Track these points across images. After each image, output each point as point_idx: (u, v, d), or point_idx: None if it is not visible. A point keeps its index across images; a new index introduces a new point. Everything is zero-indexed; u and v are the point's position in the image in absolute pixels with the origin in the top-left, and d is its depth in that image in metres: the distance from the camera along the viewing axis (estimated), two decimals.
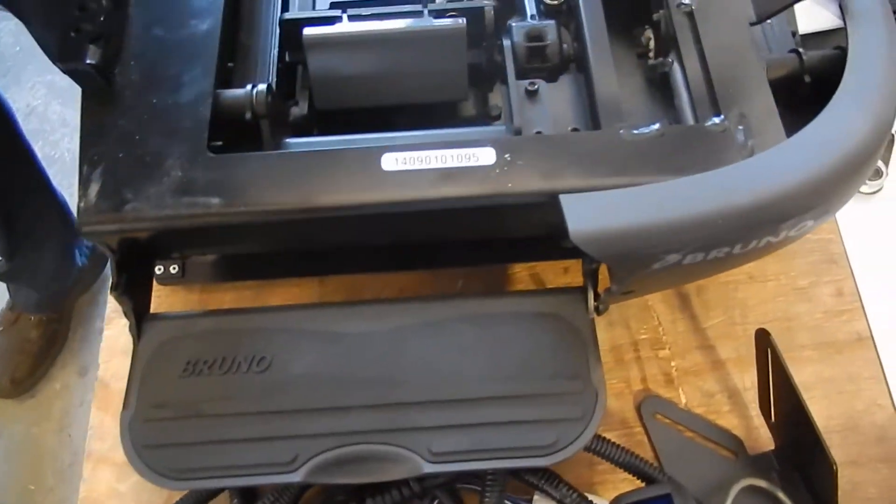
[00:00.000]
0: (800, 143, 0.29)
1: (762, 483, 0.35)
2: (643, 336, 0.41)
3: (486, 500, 0.33)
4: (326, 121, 0.38)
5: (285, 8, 0.41)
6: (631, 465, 0.33)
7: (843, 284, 0.42)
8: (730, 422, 0.39)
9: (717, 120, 0.32)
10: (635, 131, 0.32)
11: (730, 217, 0.27)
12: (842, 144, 0.28)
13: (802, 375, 0.39)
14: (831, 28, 0.46)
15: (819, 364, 0.40)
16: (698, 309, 0.42)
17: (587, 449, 0.32)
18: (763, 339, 0.36)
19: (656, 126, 0.32)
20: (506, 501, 0.34)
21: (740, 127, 0.31)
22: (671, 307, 0.42)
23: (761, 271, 0.42)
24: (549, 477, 0.34)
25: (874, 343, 0.40)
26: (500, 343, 0.32)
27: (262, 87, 0.34)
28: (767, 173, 0.28)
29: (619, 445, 0.33)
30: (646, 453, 0.38)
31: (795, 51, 0.35)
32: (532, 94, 0.37)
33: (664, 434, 0.38)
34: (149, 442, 0.30)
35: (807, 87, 0.34)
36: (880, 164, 0.43)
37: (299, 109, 0.38)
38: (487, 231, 0.35)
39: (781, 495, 0.35)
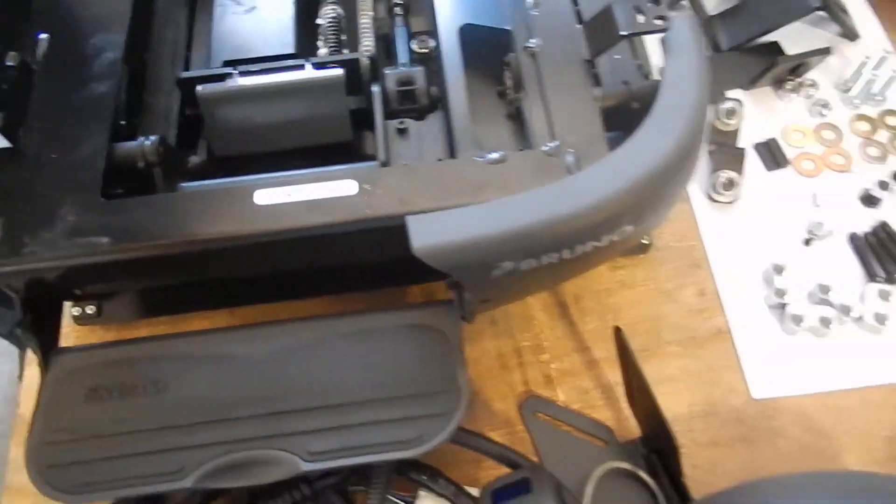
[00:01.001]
0: (611, 162, 0.33)
1: (625, 465, 0.38)
2: (526, 343, 0.44)
3: (371, 498, 0.36)
4: (226, 167, 0.42)
5: (186, 68, 0.45)
6: (495, 453, 0.36)
7: (704, 285, 0.46)
8: (603, 414, 0.42)
9: (550, 145, 0.36)
10: (480, 158, 0.36)
11: (550, 226, 0.31)
12: (646, 162, 0.32)
13: (669, 368, 0.43)
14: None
15: (683, 357, 0.44)
16: (576, 315, 0.45)
17: (456, 441, 0.35)
18: (619, 337, 0.39)
19: (501, 153, 0.36)
20: (391, 498, 0.37)
21: (570, 150, 0.36)
22: (552, 315, 0.45)
23: (632, 278, 0.46)
24: (430, 473, 0.37)
25: (731, 336, 0.44)
26: (375, 354, 0.36)
27: (153, 138, 0.37)
28: (583, 188, 0.31)
29: (482, 436, 0.36)
30: (527, 448, 0.41)
31: (626, 82, 0.40)
32: (402, 132, 0.41)
33: (542, 429, 0.41)
34: (50, 462, 0.32)
35: (636, 112, 0.39)
36: (734, 175, 0.48)
37: (198, 157, 0.42)
38: (358, 257, 0.38)
39: (642, 474, 0.38)
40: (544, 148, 0.36)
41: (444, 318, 0.36)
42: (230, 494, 0.38)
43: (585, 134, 0.36)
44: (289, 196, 0.34)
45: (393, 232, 0.33)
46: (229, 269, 0.37)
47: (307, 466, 0.33)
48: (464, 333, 0.37)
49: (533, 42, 0.40)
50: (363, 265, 0.41)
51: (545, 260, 0.32)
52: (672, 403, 0.42)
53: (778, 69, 0.50)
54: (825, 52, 0.50)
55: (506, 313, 0.45)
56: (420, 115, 0.42)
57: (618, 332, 0.39)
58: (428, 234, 0.30)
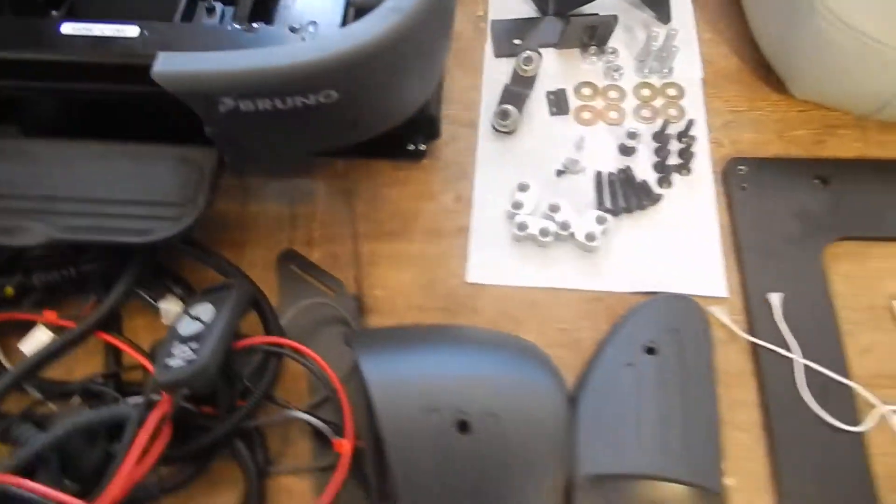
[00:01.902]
0: (325, 39, 0.41)
1: (325, 300, 0.46)
2: (302, 212, 0.52)
3: (119, 284, 0.44)
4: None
5: None
6: (214, 263, 0.45)
7: (463, 193, 0.53)
8: (343, 274, 0.50)
9: (295, 24, 0.44)
10: (239, 26, 0.44)
11: (257, 73, 0.39)
12: (348, 42, 0.40)
13: (412, 250, 0.51)
14: None
15: (425, 244, 0.51)
16: (361, 208, 0.53)
17: (191, 256, 0.44)
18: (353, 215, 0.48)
19: (258, 25, 0.45)
20: (142, 294, 0.46)
21: (310, 28, 0.44)
22: (333, 197, 0.53)
23: (407, 178, 0.54)
24: (174, 278, 0.46)
25: (468, 234, 0.52)
26: (139, 168, 0.44)
27: None
28: (293, 51, 0.40)
29: (210, 250, 0.45)
30: (274, 294, 0.49)
31: None
32: (210, 11, 0.49)
33: (289, 275, 0.49)
34: None
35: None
36: (513, 109, 0.55)
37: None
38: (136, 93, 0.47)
39: (343, 312, 0.46)
40: (290, 27, 0.44)
41: (204, 156, 0.45)
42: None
43: (326, 21, 0.45)
44: (88, 31, 0.43)
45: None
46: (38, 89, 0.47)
47: (60, 236, 0.42)
48: (248, 186, 0.46)
49: None
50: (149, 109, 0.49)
51: (261, 105, 0.40)
52: (402, 275, 0.50)
53: (576, 31, 0.57)
54: (612, 19, 0.57)
55: (295, 189, 0.53)
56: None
57: (348, 196, 0.47)
58: (166, 64, 0.39)
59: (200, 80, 0.39)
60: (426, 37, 0.44)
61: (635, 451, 0.38)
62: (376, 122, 0.47)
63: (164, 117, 0.45)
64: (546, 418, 0.37)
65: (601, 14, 0.59)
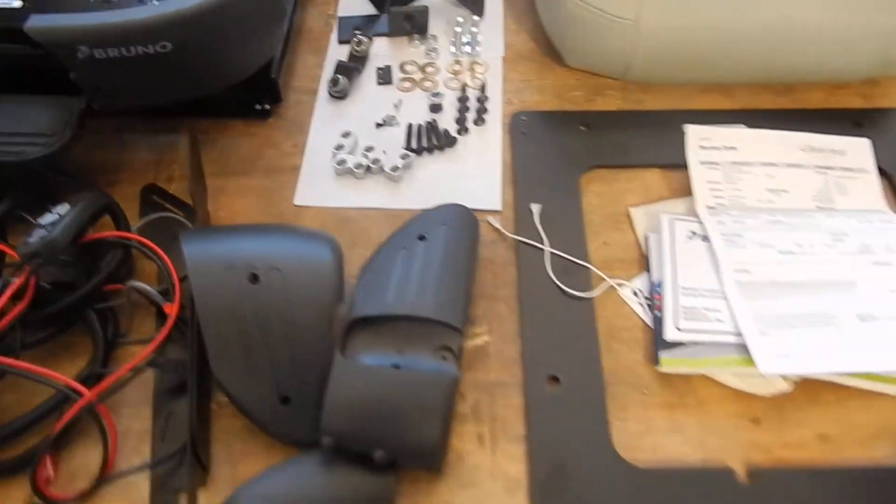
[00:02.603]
0: (160, 6, 0.53)
1: (172, 216, 0.57)
2: (165, 158, 0.64)
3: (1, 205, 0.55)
4: None
5: None
6: (83, 185, 0.56)
7: (299, 142, 0.65)
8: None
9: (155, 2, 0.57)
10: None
11: (105, 26, 0.51)
12: (172, 6, 0.52)
13: (248, 183, 0.62)
14: None
15: (261, 180, 0.63)
16: (207, 145, 0.65)
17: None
18: (194, 151, 0.59)
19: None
20: (22, 214, 0.56)
21: (155, 2, 0.56)
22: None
23: (256, 133, 0.66)
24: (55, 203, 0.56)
25: (299, 172, 0.63)
26: (22, 111, 0.55)
27: None
28: (131, 12, 0.52)
29: (73, 182, 0.56)
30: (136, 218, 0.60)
31: None
32: None
33: (151, 204, 0.60)
34: None
35: None
36: (342, 79, 0.68)
37: None
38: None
39: (180, 219, 0.57)
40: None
41: (72, 102, 0.56)
42: None
43: None
44: None
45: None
46: None
47: None
48: (124, 140, 0.58)
49: None
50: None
51: (110, 52, 0.52)
52: (243, 201, 0.61)
53: (398, 21, 0.71)
54: (424, 9, 0.71)
55: (164, 141, 0.65)
56: None
57: (193, 142, 0.59)
58: (35, 22, 0.51)
59: (60, 32, 0.51)
60: (245, 12, 0.57)
61: (394, 300, 0.49)
62: (211, 78, 0.59)
63: (43, 74, 0.57)
64: (319, 272, 0.48)
65: (425, 8, 0.74)
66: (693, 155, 0.60)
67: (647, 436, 0.50)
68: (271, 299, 0.47)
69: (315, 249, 0.50)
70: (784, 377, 0.50)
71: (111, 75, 0.55)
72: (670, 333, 0.51)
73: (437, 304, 0.49)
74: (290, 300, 0.48)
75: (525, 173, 0.62)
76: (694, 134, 0.61)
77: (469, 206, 0.59)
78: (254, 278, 0.48)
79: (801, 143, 0.61)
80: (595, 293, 0.55)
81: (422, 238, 0.54)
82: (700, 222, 0.57)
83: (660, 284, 0.54)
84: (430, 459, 0.46)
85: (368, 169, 0.62)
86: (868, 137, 0.63)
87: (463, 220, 0.56)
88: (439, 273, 0.51)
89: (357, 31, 0.73)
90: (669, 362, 0.51)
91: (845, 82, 0.69)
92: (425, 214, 0.57)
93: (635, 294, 0.55)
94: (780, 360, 0.48)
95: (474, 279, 0.55)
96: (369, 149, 0.63)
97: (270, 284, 0.48)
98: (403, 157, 0.63)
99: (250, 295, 0.47)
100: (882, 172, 0.62)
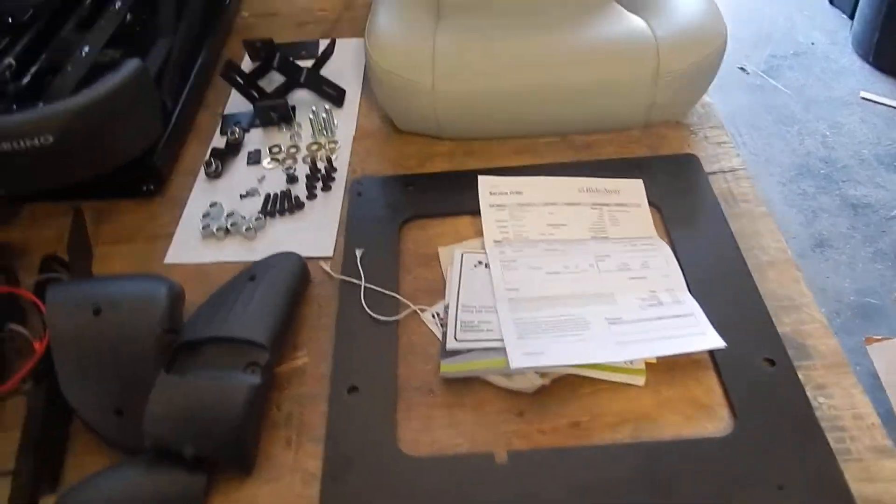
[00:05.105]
0: (43, 109, 0.65)
1: (62, 275, 0.66)
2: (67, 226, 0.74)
3: None
4: None
5: None
6: None
7: (177, 213, 0.76)
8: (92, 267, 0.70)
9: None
10: None
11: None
12: (49, 110, 0.64)
13: (135, 249, 0.72)
14: None
15: (143, 245, 0.72)
16: (107, 226, 0.75)
17: None
18: (77, 221, 0.69)
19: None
20: None
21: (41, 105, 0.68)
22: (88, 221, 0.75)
23: (147, 209, 0.76)
24: None
25: (174, 236, 0.73)
26: None
27: None
28: (15, 116, 0.64)
29: None
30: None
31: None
32: None
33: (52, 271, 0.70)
34: None
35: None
36: (214, 160, 0.79)
37: None
38: None
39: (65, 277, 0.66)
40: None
41: None
42: None
43: None
44: None
45: None
46: None
47: None
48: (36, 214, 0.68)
49: None
50: None
51: (4, 146, 0.63)
52: (120, 264, 0.70)
53: (265, 113, 0.83)
54: (284, 102, 0.83)
55: (64, 214, 0.75)
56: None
57: (76, 219, 0.69)
58: None
59: None
60: (118, 109, 0.69)
61: (216, 326, 0.57)
62: (91, 165, 0.70)
63: None
64: (151, 306, 0.57)
65: (284, 101, 0.85)
66: (484, 200, 0.69)
67: (428, 432, 0.56)
68: (110, 328, 0.56)
69: (152, 289, 0.59)
70: (541, 374, 0.56)
71: (6, 165, 0.66)
72: (450, 343, 0.58)
73: (246, 327, 0.57)
74: (125, 328, 0.56)
75: (356, 225, 0.72)
76: (484, 183, 0.70)
77: (307, 254, 0.68)
78: (97, 312, 0.56)
79: (579, 186, 0.71)
80: (399, 317, 0.63)
81: (252, 279, 0.63)
82: (486, 253, 0.65)
83: (448, 306, 0.62)
84: (237, 456, 0.53)
85: (227, 231, 0.72)
86: (645, 178, 0.73)
87: (290, 264, 0.65)
88: (258, 303, 0.60)
89: (237, 125, 0.85)
90: (449, 368, 0.58)
91: (627, 128, 0.79)
92: (261, 261, 0.66)
93: (434, 316, 0.63)
94: (528, 357, 0.55)
95: (297, 311, 0.64)
96: (230, 214, 0.73)
97: (110, 317, 0.56)
98: (258, 219, 0.72)
99: (93, 326, 0.56)
100: (653, 205, 0.71)
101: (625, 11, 0.80)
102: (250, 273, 0.64)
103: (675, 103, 0.77)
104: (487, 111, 0.75)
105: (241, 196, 0.76)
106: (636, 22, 0.76)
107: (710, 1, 0.77)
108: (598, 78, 0.74)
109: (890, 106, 1.97)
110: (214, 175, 0.79)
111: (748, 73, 2.14)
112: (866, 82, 2.07)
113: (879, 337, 1.10)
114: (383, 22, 0.79)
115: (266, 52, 0.92)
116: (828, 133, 1.89)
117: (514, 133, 0.79)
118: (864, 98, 2.01)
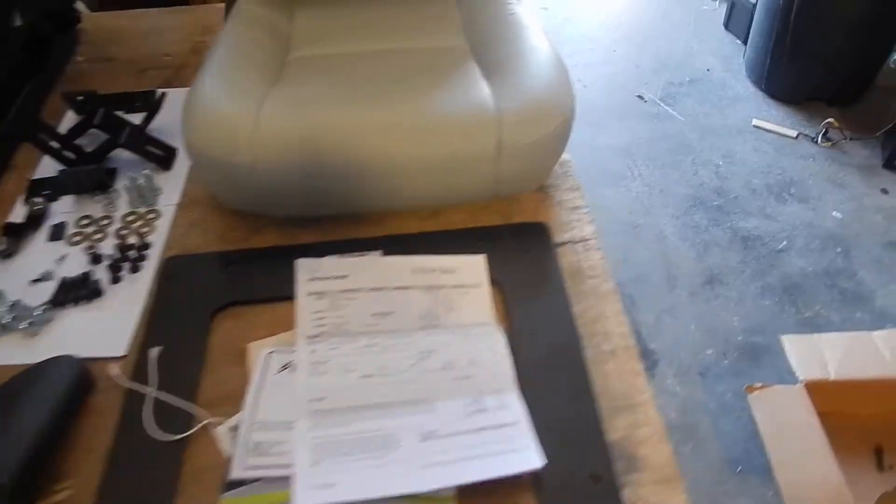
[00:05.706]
0: None
1: None
2: None
3: None
4: None
5: None
6: None
7: None
8: None
9: None
10: None
11: None
12: None
13: None
14: None
15: None
16: None
17: None
18: None
19: None
20: None
21: None
22: None
23: None
24: None
25: None
26: None
27: None
28: None
29: None
30: None
31: None
32: None
33: None
34: None
35: None
36: (7, 238, 0.68)
37: None
38: None
39: None
40: None
41: None
42: None
43: None
44: None
45: None
46: None
47: None
48: None
49: None
50: None
51: None
52: None
53: (77, 179, 0.72)
54: (99, 168, 0.73)
55: None
56: None
57: None
58: None
59: None
60: None
61: None
62: None
63: None
64: None
65: (100, 166, 0.75)
66: (302, 287, 0.61)
67: None
68: None
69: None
70: None
71: None
72: (235, 472, 0.50)
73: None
74: None
75: (161, 316, 0.62)
76: (304, 267, 0.62)
77: (96, 353, 0.58)
78: None
79: (413, 266, 0.63)
80: (184, 435, 0.53)
81: (11, 395, 0.52)
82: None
83: (241, 423, 0.53)
84: None
85: (5, 327, 0.61)
86: (490, 251, 0.66)
87: (63, 373, 0.55)
88: (10, 428, 0.49)
89: (44, 194, 0.74)
90: (231, 503, 0.49)
91: (475, 202, 0.72)
92: (30, 369, 0.55)
93: (232, 430, 0.54)
94: (319, 491, 0.47)
95: (68, 430, 0.54)
96: (13, 305, 0.62)
97: None
98: (45, 310, 0.62)
99: None
100: (495, 283, 0.64)
101: (478, 75, 0.73)
102: (12, 388, 0.53)
103: (523, 178, 0.71)
104: (317, 189, 0.66)
105: (32, 281, 0.66)
106: (482, 92, 0.69)
107: (561, 67, 0.71)
108: (439, 151, 0.66)
109: (780, 134, 2.00)
110: (4, 255, 0.68)
111: (646, 101, 2.14)
112: (759, 109, 2.09)
113: (759, 385, 1.07)
114: (207, 88, 0.68)
115: (92, 106, 0.82)
116: (720, 163, 1.89)
117: (352, 210, 0.71)
118: (756, 126, 2.04)
